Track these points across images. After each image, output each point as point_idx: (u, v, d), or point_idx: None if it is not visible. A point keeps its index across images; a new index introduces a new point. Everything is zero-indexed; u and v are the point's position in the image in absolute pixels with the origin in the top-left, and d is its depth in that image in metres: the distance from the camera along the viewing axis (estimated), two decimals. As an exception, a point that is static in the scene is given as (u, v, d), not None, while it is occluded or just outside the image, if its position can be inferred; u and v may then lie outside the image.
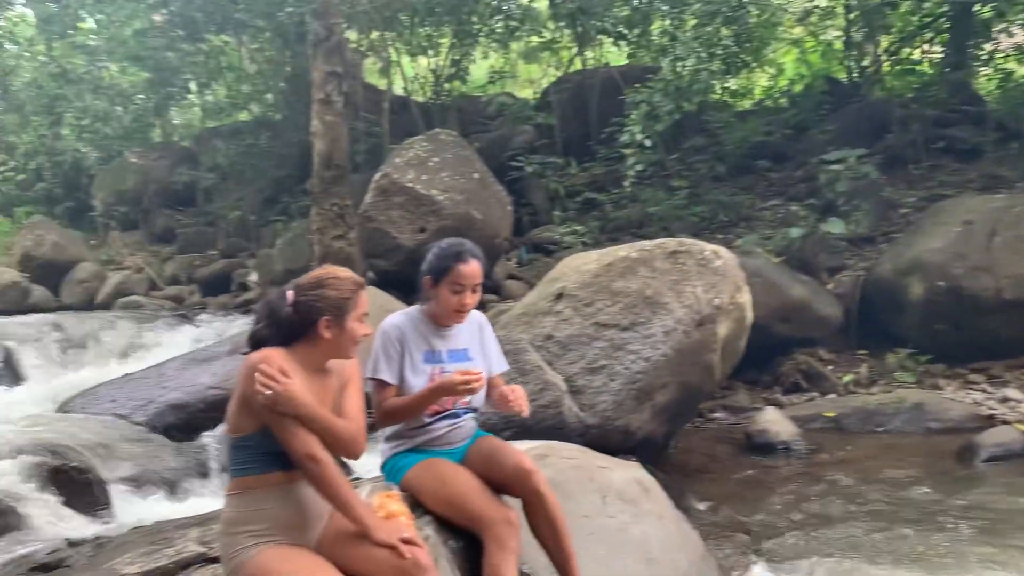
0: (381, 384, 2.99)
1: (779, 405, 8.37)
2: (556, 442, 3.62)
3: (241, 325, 10.29)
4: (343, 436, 2.53)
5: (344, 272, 2.67)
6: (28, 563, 3.55)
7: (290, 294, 2.58)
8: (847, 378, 8.75)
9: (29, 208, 16.27)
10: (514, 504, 2.84)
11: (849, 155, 9.45)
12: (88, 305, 12.80)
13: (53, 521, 4.62)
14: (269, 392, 2.36)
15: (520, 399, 2.91)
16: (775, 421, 7.36)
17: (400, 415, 2.95)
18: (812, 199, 9.96)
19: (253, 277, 13.28)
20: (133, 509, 5.20)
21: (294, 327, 2.56)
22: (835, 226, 9.21)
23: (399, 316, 3.10)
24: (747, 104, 14.40)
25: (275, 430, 2.44)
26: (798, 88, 13.20)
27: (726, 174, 11.76)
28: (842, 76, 14.07)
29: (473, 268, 2.99)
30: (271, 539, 2.47)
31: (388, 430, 3.08)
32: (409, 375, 2.98)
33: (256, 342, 2.57)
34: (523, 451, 2.98)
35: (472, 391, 2.86)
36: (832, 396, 8.56)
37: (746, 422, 7.73)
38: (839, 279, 9.47)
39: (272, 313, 2.58)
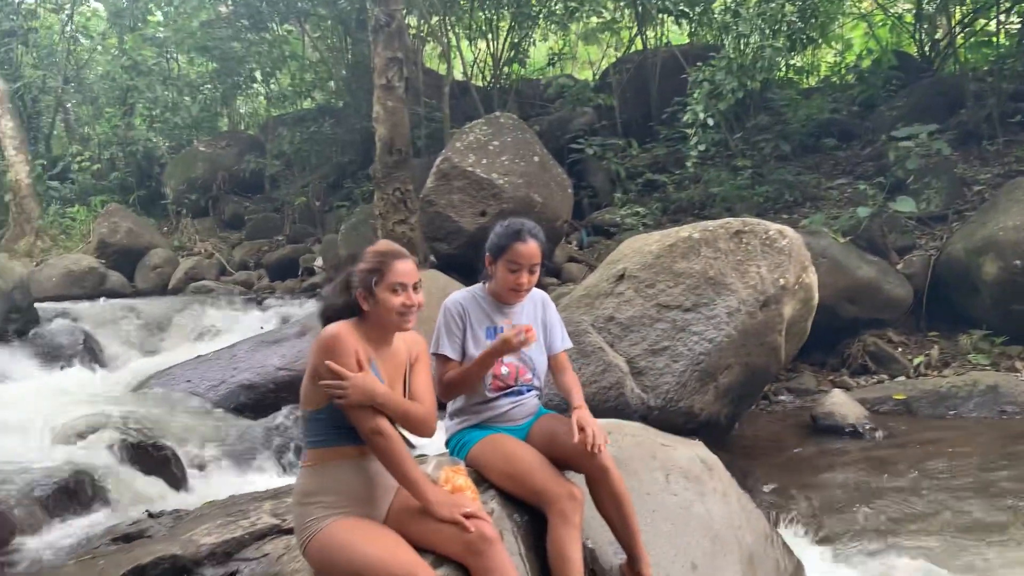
0: (443, 359, 3.05)
1: (846, 388, 8.22)
2: (619, 420, 3.64)
3: (308, 309, 10.52)
4: (416, 417, 2.63)
5: (381, 245, 2.71)
6: (111, 533, 3.72)
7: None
8: (917, 360, 8.53)
9: (104, 197, 16.82)
10: (577, 480, 2.87)
11: (920, 131, 9.16)
12: (161, 290, 13.23)
13: (133, 495, 4.82)
14: (341, 397, 2.44)
15: (593, 437, 2.78)
16: (842, 403, 7.23)
17: (460, 384, 2.99)
18: (880, 178, 9.69)
19: (319, 262, 13.54)
20: (208, 484, 5.39)
21: (348, 303, 2.65)
22: (905, 205, 8.96)
23: (462, 293, 3.15)
24: (813, 81, 14.09)
25: (343, 407, 2.51)
26: (866, 64, 12.80)
27: (791, 153, 11.52)
28: (912, 51, 13.63)
29: (531, 248, 3.00)
30: (342, 511, 2.54)
31: (452, 407, 3.13)
32: (472, 351, 3.03)
33: (326, 318, 2.66)
34: (587, 428, 2.99)
35: (525, 343, 2.88)
36: (902, 379, 8.36)
37: (812, 405, 7.61)
38: (909, 259, 9.21)
39: (330, 291, 2.68)
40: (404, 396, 2.69)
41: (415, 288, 2.64)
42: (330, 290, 2.70)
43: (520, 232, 3.01)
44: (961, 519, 5.03)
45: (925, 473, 5.90)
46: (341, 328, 2.55)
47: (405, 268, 2.63)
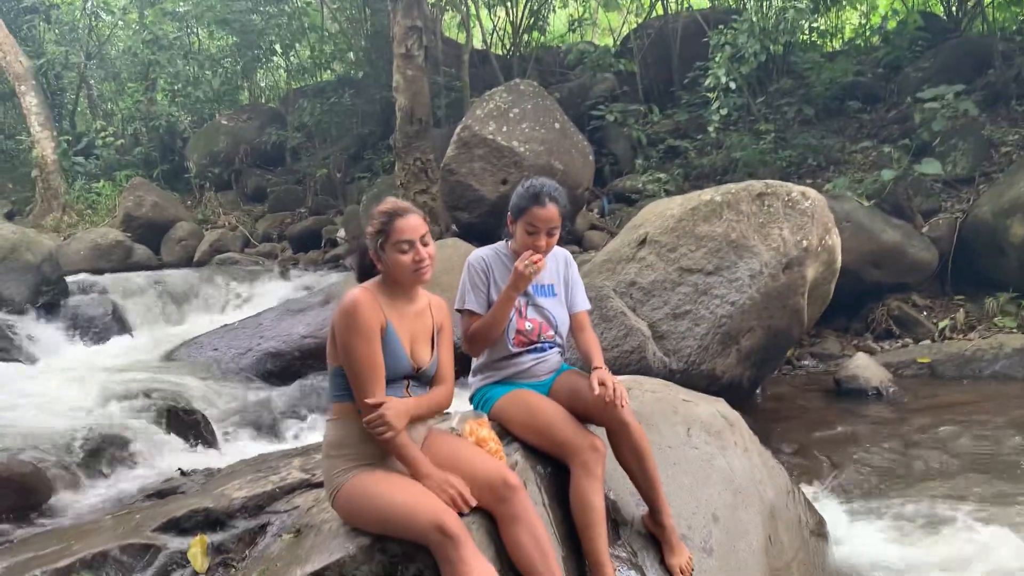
0: (469, 314, 3.08)
1: (870, 352, 8.19)
2: (641, 376, 3.67)
3: (331, 279, 10.62)
4: (443, 405, 2.79)
5: (385, 204, 2.73)
6: (145, 491, 3.82)
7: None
8: (943, 324, 8.48)
9: (129, 172, 16.96)
10: (599, 434, 2.91)
11: (946, 92, 9.01)
12: (187, 262, 13.37)
13: (164, 457, 4.93)
14: (387, 432, 2.51)
15: (618, 396, 2.81)
16: (865, 367, 7.22)
17: (484, 333, 3.02)
18: (906, 140, 9.56)
19: (341, 233, 13.61)
20: (236, 447, 5.51)
21: (365, 267, 2.75)
22: (930, 167, 8.84)
23: (484, 250, 3.18)
24: (836, 44, 13.87)
25: (347, 372, 2.59)
26: (892, 25, 12.57)
27: (814, 117, 11.38)
28: (939, 11, 13.39)
29: (549, 212, 3.01)
30: (368, 462, 2.60)
31: (476, 363, 3.16)
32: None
33: (359, 276, 2.78)
34: (608, 384, 3.03)
35: (536, 271, 2.91)
36: (926, 343, 8.32)
37: (835, 369, 7.60)
38: (934, 222, 9.12)
39: (352, 257, 2.79)
40: (431, 357, 2.74)
41: (423, 241, 2.66)
42: (352, 256, 2.76)
43: (539, 195, 3.01)
44: (984, 479, 5.03)
45: (949, 434, 5.90)
46: (360, 293, 2.59)
47: (408, 224, 2.64)
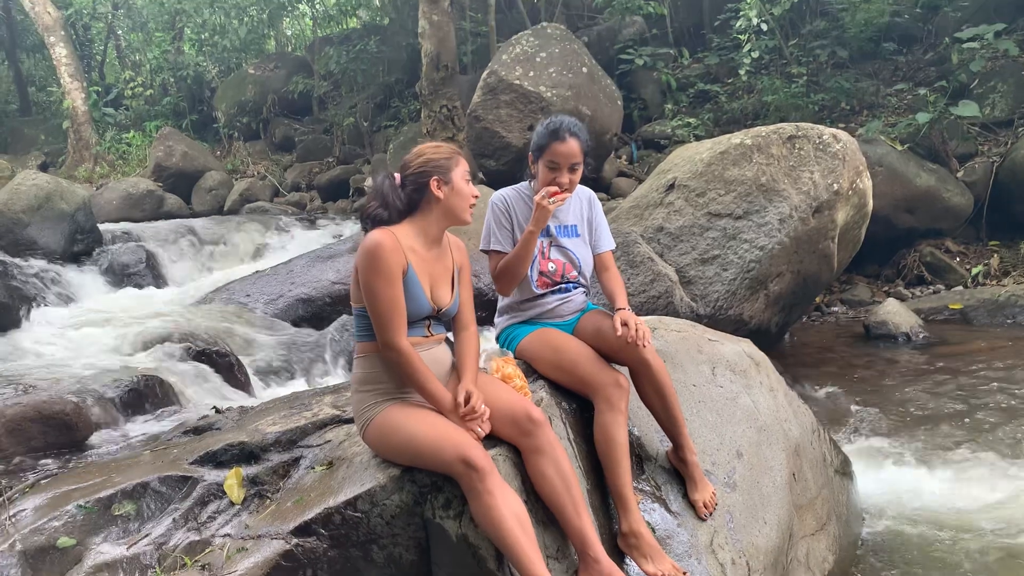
0: (496, 254, 3.09)
1: (901, 298, 8.14)
2: (666, 317, 3.68)
3: (359, 227, 10.66)
4: (478, 353, 2.80)
5: (441, 144, 2.82)
6: (182, 427, 3.93)
7: (396, 175, 2.75)
8: (976, 270, 8.37)
9: (158, 122, 17.07)
10: (623, 371, 2.93)
11: (987, 31, 8.76)
12: (218, 211, 13.50)
13: (199, 397, 5.06)
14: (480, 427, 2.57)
15: (640, 336, 2.80)
16: (896, 312, 7.17)
17: (511, 270, 3.02)
18: (942, 82, 9.33)
19: (369, 182, 13.64)
20: (268, 389, 5.63)
21: (409, 201, 2.71)
22: (968, 109, 8.64)
23: (506, 190, 3.17)
24: (874, -16, 13.44)
25: (369, 312, 2.62)
26: (931, -37, 12.19)
27: (848, 59, 11.12)
28: (982, -52, 12.91)
29: (570, 147, 2.99)
30: (397, 396, 2.65)
31: (502, 303, 3.18)
32: None
33: (373, 221, 2.70)
34: (633, 323, 3.04)
35: (559, 201, 2.92)
36: (959, 289, 8.24)
37: (865, 315, 7.56)
38: (970, 166, 8.94)
39: (383, 194, 2.71)
40: (451, 298, 2.77)
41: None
42: (384, 193, 2.71)
43: (559, 131, 3.00)
44: (1013, 425, 5.01)
45: (978, 380, 5.87)
46: (383, 235, 2.60)
47: (466, 163, 2.79)
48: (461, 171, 2.74)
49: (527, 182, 3.20)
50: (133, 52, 20.55)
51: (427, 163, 2.70)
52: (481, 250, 3.12)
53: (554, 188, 2.95)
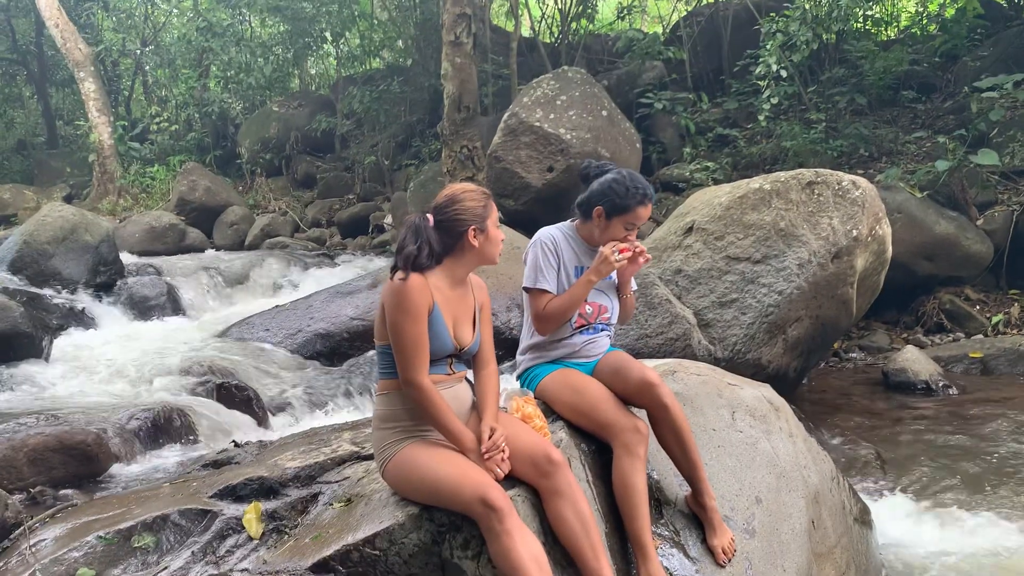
0: (541, 293, 3.09)
1: (920, 346, 8.08)
2: (685, 360, 3.68)
3: (378, 264, 10.76)
4: (498, 391, 2.85)
5: (470, 185, 2.86)
6: (201, 461, 3.95)
7: (429, 216, 2.77)
8: (996, 319, 8.32)
9: (182, 157, 17.34)
10: (641, 415, 2.94)
11: (1006, 81, 8.79)
12: (239, 245, 13.65)
13: (219, 431, 5.08)
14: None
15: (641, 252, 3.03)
16: (915, 360, 7.12)
17: (559, 314, 3.05)
18: (961, 131, 9.36)
19: (388, 219, 13.77)
20: (286, 423, 5.64)
21: (442, 244, 2.74)
22: (987, 158, 8.64)
23: (553, 230, 3.21)
24: (891, 33, 13.57)
25: (393, 349, 2.65)
26: (950, 13, 12.28)
27: (867, 107, 11.18)
28: (1000, -1, 13.03)
29: (649, 210, 3.13)
30: (417, 434, 2.67)
31: (528, 342, 3.19)
32: (564, 286, 3.11)
33: (405, 262, 2.69)
34: (650, 366, 3.06)
35: (625, 259, 3.00)
36: (979, 337, 8.18)
37: (884, 362, 7.51)
38: (990, 215, 8.92)
39: (419, 233, 2.73)
40: (473, 337, 2.80)
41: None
42: (419, 233, 2.71)
43: (647, 196, 3.09)
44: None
45: (999, 431, 5.81)
46: (412, 277, 2.64)
47: (495, 209, 2.86)
48: (494, 218, 2.80)
49: (570, 222, 3.25)
50: (160, 88, 20.97)
51: (464, 211, 2.74)
52: (525, 288, 3.14)
53: (624, 245, 3.03)
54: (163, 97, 20.47)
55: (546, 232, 3.20)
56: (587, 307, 3.13)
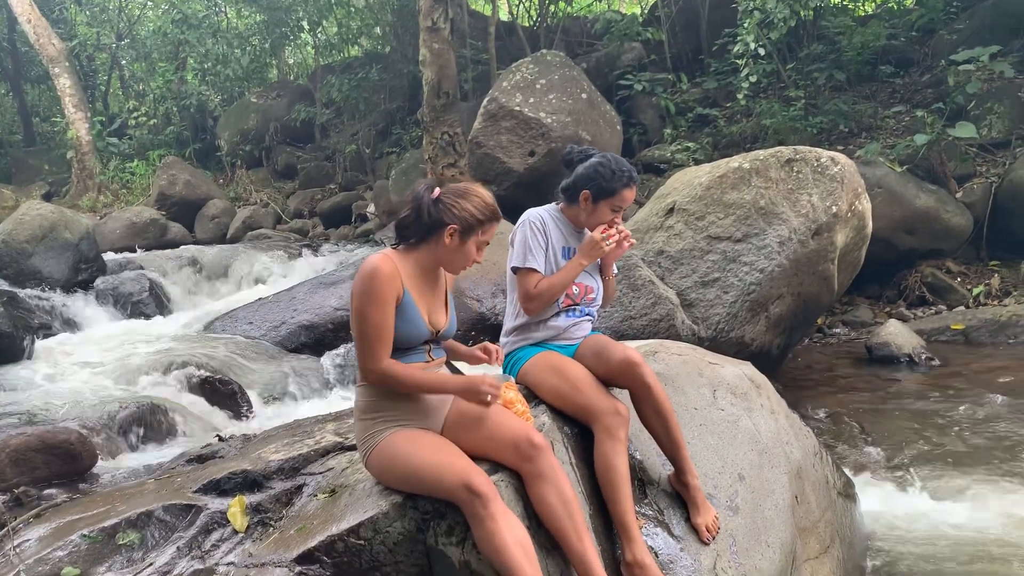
0: (530, 272, 3.09)
1: (903, 319, 8.14)
2: (666, 341, 3.69)
3: (362, 253, 10.72)
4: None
5: (490, 198, 2.78)
6: (185, 456, 3.94)
7: (437, 190, 2.73)
8: (977, 290, 8.38)
9: (161, 151, 17.20)
10: (623, 397, 2.95)
11: (982, 54, 8.82)
12: (220, 239, 13.57)
13: (203, 425, 5.07)
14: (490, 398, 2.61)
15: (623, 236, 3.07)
16: (898, 333, 7.18)
17: (548, 295, 3.06)
18: (939, 104, 9.40)
19: (371, 208, 13.71)
20: (271, 415, 5.63)
21: (428, 224, 2.70)
22: (965, 130, 8.69)
23: (541, 211, 3.20)
24: (868, 8, 13.59)
25: (355, 337, 2.64)
26: (926, -14, 12.31)
27: (846, 82, 11.20)
28: (976, -29, 13.04)
29: (635, 191, 3.17)
30: (400, 423, 2.67)
31: (512, 323, 3.18)
32: (552, 267, 3.12)
33: (399, 232, 2.74)
34: (632, 346, 3.07)
35: (613, 242, 3.05)
36: (960, 309, 8.25)
37: (867, 336, 7.57)
38: (969, 187, 8.98)
39: (417, 205, 2.71)
40: (447, 320, 2.82)
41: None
42: (419, 204, 2.69)
43: (632, 179, 3.14)
44: (1015, 448, 5.00)
45: (981, 401, 5.87)
46: (382, 262, 2.62)
47: (494, 231, 2.77)
48: (481, 238, 2.72)
49: (555, 204, 3.25)
50: (137, 82, 20.76)
51: (460, 209, 2.68)
52: (513, 267, 3.13)
53: (613, 232, 3.07)
54: (140, 91, 20.28)
55: (534, 212, 3.19)
56: (574, 287, 3.14)
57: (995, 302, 8.22)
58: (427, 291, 2.76)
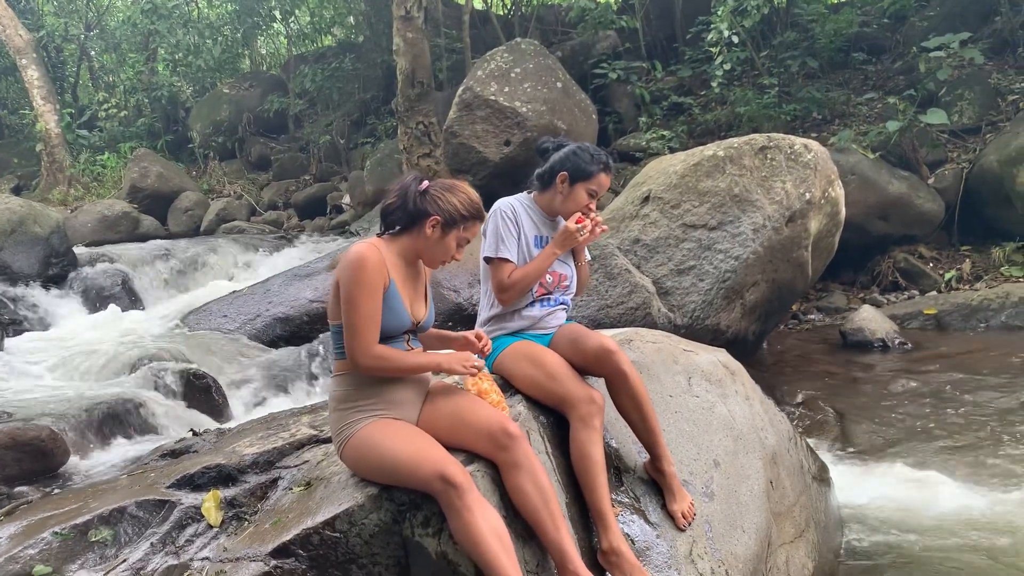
0: (502, 262, 3.09)
1: (876, 304, 8.22)
2: (641, 329, 3.70)
3: (337, 245, 10.65)
4: None
5: (477, 197, 2.78)
6: (159, 451, 3.90)
7: (425, 183, 2.74)
8: (949, 275, 8.48)
9: (133, 143, 16.96)
10: (599, 385, 2.95)
11: (952, 40, 8.90)
12: (194, 232, 13.43)
13: (177, 420, 5.02)
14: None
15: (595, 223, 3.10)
16: (871, 319, 7.25)
17: (521, 285, 3.06)
18: (911, 91, 9.48)
19: (346, 199, 13.63)
20: (246, 409, 5.60)
21: (412, 213, 2.70)
22: (936, 117, 8.77)
23: (512, 200, 3.20)
24: (842, -5, 13.66)
25: (345, 325, 2.61)
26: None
27: (819, 70, 11.27)
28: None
29: (610, 178, 3.20)
30: (375, 414, 2.65)
31: (487, 314, 3.18)
32: (524, 256, 3.11)
33: (384, 218, 2.75)
34: (607, 335, 3.07)
35: (586, 230, 3.06)
36: (933, 294, 8.34)
37: (841, 322, 7.63)
38: (941, 173, 9.07)
39: (404, 193, 2.71)
40: (426, 311, 2.81)
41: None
42: (406, 193, 2.70)
43: (608, 164, 3.17)
44: (988, 430, 5.07)
45: (954, 384, 5.94)
46: (368, 250, 2.61)
47: (477, 230, 2.78)
48: (463, 235, 2.73)
49: (526, 193, 3.24)
50: (106, 73, 20.45)
51: (445, 202, 2.68)
52: (486, 257, 3.12)
53: (580, 216, 3.09)
54: (110, 83, 19.98)
55: (504, 202, 3.18)
56: (547, 276, 3.14)
57: (966, 287, 8.32)
58: (409, 281, 2.75)
